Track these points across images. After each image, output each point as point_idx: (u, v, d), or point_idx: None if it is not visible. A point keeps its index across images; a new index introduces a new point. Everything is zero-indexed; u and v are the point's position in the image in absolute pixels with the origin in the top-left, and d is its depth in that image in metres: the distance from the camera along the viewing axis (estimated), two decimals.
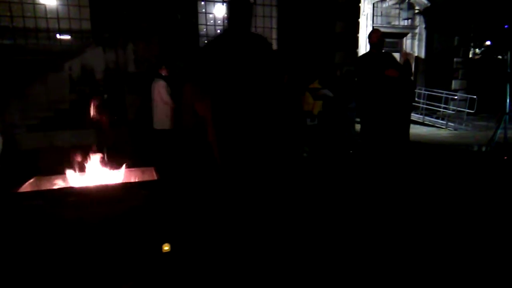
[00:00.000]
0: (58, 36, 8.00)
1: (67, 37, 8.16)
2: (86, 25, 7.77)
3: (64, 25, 7.77)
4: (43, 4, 7.65)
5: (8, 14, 7.36)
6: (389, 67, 4.71)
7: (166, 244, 2.88)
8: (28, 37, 7.58)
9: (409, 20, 12.00)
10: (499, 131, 6.80)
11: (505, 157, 6.28)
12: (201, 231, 3.31)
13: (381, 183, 4.71)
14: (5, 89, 6.99)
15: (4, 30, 7.39)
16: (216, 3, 8.85)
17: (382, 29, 11.31)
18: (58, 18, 7.68)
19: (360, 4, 9.95)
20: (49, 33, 7.73)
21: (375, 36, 4.80)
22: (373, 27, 11.44)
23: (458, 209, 4.05)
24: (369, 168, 5.00)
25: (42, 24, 7.63)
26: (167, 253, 2.86)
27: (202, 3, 8.64)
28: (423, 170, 5.76)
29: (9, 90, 7.02)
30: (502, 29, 7.01)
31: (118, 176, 3.98)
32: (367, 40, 4.98)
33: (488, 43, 13.97)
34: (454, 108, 11.00)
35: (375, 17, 11.59)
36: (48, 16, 7.63)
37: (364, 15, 11.15)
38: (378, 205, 4.13)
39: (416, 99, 10.78)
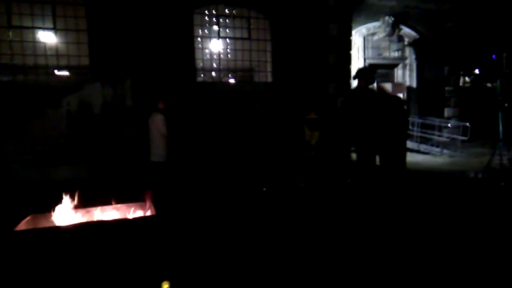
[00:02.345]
0: (56, 72, 8.12)
1: (65, 73, 8.29)
2: (85, 61, 7.88)
3: (63, 61, 7.88)
4: (43, 43, 7.80)
5: (9, 52, 7.49)
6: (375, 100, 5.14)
7: (166, 282, 2.80)
8: (27, 74, 7.66)
9: (400, 52, 12.35)
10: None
11: (502, 183, 6.32)
12: (201, 267, 3.24)
13: (378, 213, 4.69)
14: (2, 125, 7.02)
15: (4, 67, 7.48)
16: (212, 39, 9.10)
17: (373, 61, 11.79)
18: (57, 55, 7.80)
19: (351, 37, 10.28)
20: (48, 69, 7.82)
21: (369, 73, 5.08)
22: (364, 59, 11.76)
23: (459, 236, 4.01)
24: (366, 197, 5.01)
25: (41, 61, 7.73)
26: None
27: (199, 39, 8.88)
28: (422, 198, 5.74)
29: (6, 126, 7.06)
30: (490, 59, 7.24)
31: (115, 211, 3.93)
32: (358, 74, 5.16)
33: (477, 71, 14.39)
34: (448, 135, 11.13)
35: (366, 49, 11.93)
36: (48, 53, 7.75)
37: (356, 47, 11.49)
38: (376, 236, 4.08)
39: (410, 127, 10.90)
